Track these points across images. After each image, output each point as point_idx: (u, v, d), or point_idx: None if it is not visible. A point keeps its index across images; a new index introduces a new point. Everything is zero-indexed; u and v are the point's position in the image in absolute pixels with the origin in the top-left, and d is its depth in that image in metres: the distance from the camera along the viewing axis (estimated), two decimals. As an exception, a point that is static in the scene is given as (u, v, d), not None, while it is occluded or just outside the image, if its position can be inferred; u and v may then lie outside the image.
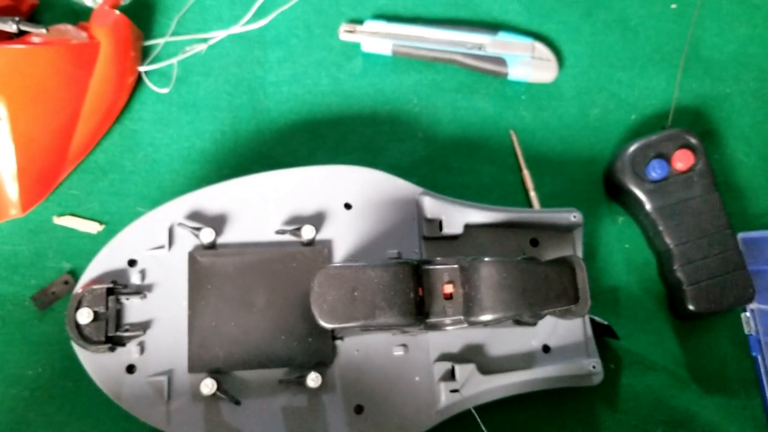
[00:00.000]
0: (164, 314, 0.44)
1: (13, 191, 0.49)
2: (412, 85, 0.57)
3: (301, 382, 0.43)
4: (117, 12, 0.52)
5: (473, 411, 0.45)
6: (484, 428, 0.44)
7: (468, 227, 0.48)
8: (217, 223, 0.46)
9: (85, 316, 0.42)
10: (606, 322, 0.49)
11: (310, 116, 0.55)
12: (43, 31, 0.49)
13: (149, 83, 0.55)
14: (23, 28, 0.49)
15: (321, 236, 0.47)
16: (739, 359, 0.53)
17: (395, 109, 0.56)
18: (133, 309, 0.44)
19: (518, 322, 0.46)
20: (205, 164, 0.53)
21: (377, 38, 0.56)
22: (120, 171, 0.53)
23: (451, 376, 0.45)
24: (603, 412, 0.51)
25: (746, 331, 0.53)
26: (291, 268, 0.45)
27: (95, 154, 0.53)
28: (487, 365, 0.47)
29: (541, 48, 0.57)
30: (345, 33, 0.56)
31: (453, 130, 0.56)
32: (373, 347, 0.45)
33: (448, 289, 0.41)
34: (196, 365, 0.43)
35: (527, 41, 0.57)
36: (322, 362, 0.44)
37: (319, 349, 0.44)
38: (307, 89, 0.56)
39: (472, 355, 0.47)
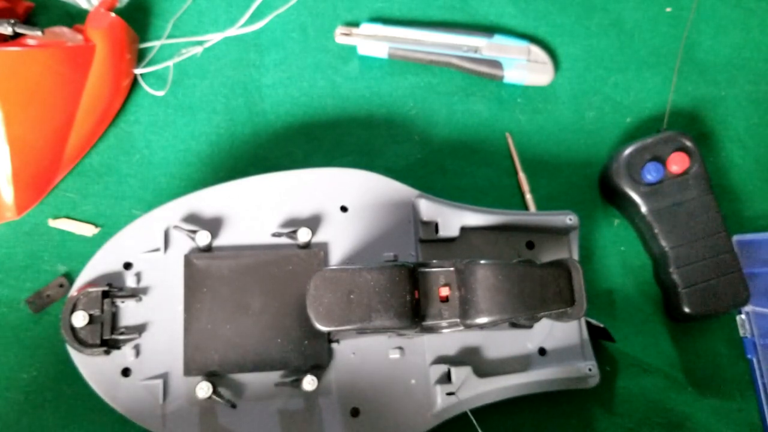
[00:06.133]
0: (160, 317, 0.44)
1: (8, 194, 0.49)
2: (408, 87, 0.57)
3: (297, 385, 0.43)
4: (112, 14, 0.52)
5: (469, 414, 0.45)
6: (480, 431, 0.44)
7: (464, 230, 0.48)
8: (213, 225, 0.46)
9: (80, 319, 0.42)
10: (602, 325, 0.49)
11: (306, 119, 0.55)
12: (39, 33, 0.49)
13: (145, 86, 0.55)
14: (19, 30, 0.49)
15: (317, 239, 0.47)
16: (734, 361, 0.53)
17: (391, 111, 0.56)
18: (129, 312, 0.44)
19: (514, 325, 0.46)
20: (200, 167, 0.53)
21: (373, 41, 0.56)
22: (115, 174, 0.53)
23: (447, 378, 0.45)
24: (599, 415, 0.51)
25: (741, 333, 0.54)
26: (287, 271, 0.45)
27: (91, 156, 0.53)
28: (484, 368, 0.47)
29: (536, 51, 0.57)
30: (341, 36, 0.56)
31: (449, 133, 0.56)
32: (369, 350, 0.45)
33: (444, 291, 0.41)
34: (192, 368, 0.43)
35: (523, 44, 0.57)
36: (318, 365, 0.44)
37: (315, 352, 0.44)
38: (303, 92, 0.56)
39: (468, 357, 0.47)
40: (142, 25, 0.56)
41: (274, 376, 0.44)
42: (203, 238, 0.45)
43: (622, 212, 0.55)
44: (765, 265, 0.54)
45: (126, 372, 0.43)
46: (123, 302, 0.44)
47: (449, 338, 0.47)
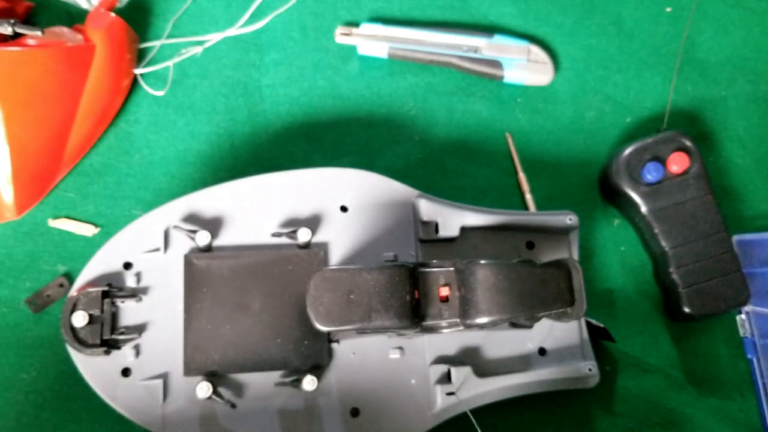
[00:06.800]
0: (160, 317, 0.44)
1: (8, 194, 0.49)
2: (408, 87, 0.57)
3: (297, 385, 0.43)
4: (112, 14, 0.52)
5: (469, 414, 0.45)
6: (480, 431, 0.44)
7: (464, 230, 0.48)
8: (213, 225, 0.46)
9: (80, 319, 0.42)
10: (602, 325, 0.49)
11: (306, 119, 0.55)
12: (39, 33, 0.49)
13: (145, 86, 0.55)
14: (19, 30, 0.49)
15: (317, 239, 0.47)
16: (734, 361, 0.53)
17: (391, 111, 0.56)
18: (129, 312, 0.44)
19: (514, 325, 0.46)
20: (200, 167, 0.53)
21: (373, 41, 0.56)
22: (115, 173, 0.53)
23: (447, 378, 0.45)
24: (599, 415, 0.51)
25: (741, 333, 0.54)
26: (287, 271, 0.45)
27: (91, 156, 0.53)
28: (484, 368, 0.47)
29: (536, 51, 0.57)
30: (341, 36, 0.56)
31: (449, 133, 0.56)
32: (369, 350, 0.45)
33: (444, 291, 0.41)
34: (192, 368, 0.43)
35: (523, 44, 0.57)
36: (318, 365, 0.44)
37: (315, 352, 0.44)
38: (303, 92, 0.56)
39: (468, 357, 0.47)
40: (142, 25, 0.56)
41: (274, 376, 0.44)
42: (203, 238, 0.45)
43: (622, 212, 0.55)
44: (765, 265, 0.54)
45: (126, 372, 0.43)
46: (123, 302, 0.44)
47: (449, 338, 0.47)
